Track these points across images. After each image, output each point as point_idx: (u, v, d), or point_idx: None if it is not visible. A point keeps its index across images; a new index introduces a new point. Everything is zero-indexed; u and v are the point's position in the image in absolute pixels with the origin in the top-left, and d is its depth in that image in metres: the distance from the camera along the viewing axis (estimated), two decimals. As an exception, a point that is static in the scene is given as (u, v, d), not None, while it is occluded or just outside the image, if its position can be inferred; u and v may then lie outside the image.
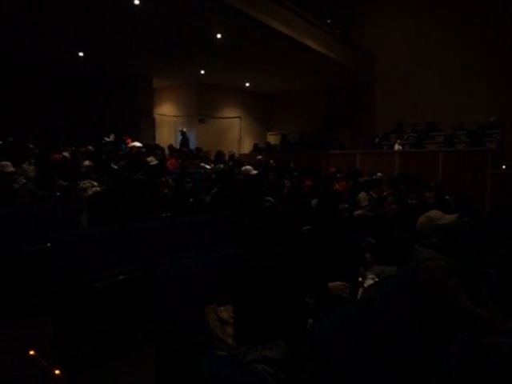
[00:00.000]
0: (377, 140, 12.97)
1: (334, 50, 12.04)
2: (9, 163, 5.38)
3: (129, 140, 11.28)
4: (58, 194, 4.84)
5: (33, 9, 8.25)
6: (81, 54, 11.18)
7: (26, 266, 3.39)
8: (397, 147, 11.61)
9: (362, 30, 14.78)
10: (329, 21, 13.47)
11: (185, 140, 13.91)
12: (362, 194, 6.20)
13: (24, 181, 5.06)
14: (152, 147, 9.51)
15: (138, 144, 10.21)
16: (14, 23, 9.02)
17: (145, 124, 14.37)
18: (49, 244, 3.23)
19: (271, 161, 10.91)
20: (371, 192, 6.18)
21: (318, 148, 13.75)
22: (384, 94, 14.28)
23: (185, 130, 14.15)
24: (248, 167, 6.11)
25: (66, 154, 7.02)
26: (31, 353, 2.93)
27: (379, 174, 7.17)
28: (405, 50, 13.67)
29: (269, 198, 4.23)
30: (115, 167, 6.78)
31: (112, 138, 11.53)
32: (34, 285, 3.42)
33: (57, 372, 2.76)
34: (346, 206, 3.34)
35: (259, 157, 11.30)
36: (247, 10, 8.79)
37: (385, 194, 5.51)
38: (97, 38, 10.14)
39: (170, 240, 3.69)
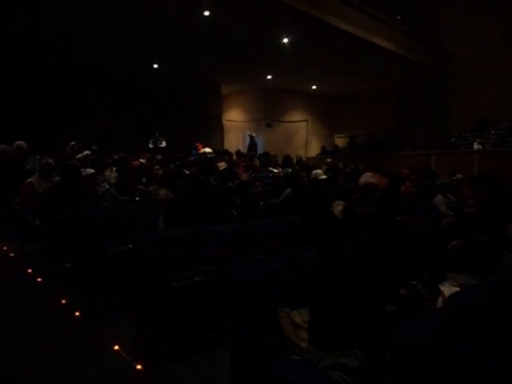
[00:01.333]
0: (453, 139, 12.21)
1: (404, 47, 11.57)
2: (93, 170, 5.81)
3: (199, 146, 11.69)
4: (137, 198, 5.15)
5: (111, 26, 8.89)
6: (155, 65, 11.82)
7: (110, 265, 3.64)
8: (476, 146, 10.85)
9: (435, 24, 14.04)
10: (399, 17, 12.96)
11: (253, 144, 14.11)
12: (439, 198, 5.87)
13: (107, 186, 5.45)
14: (221, 152, 9.76)
15: (208, 150, 10.58)
16: (93, 40, 9.76)
17: (214, 130, 14.82)
18: (131, 245, 3.45)
19: (340, 164, 10.71)
20: (449, 195, 5.84)
21: (389, 149, 13.28)
22: (460, 90, 13.42)
23: (253, 134, 14.36)
24: (318, 171, 6.03)
25: (142, 160, 7.44)
26: (116, 348, 3.14)
27: (459, 175, 6.74)
28: (482, 43, 12.75)
29: (339, 202, 4.15)
30: (188, 173, 7.07)
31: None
32: (118, 283, 3.66)
33: (139, 367, 2.93)
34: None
35: (328, 160, 11.15)
36: (313, 12, 8.75)
37: (465, 196, 5.18)
38: (169, 50, 10.66)
39: (243, 243, 3.76)
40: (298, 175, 6.38)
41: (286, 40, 9.86)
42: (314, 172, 6.03)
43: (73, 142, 7.77)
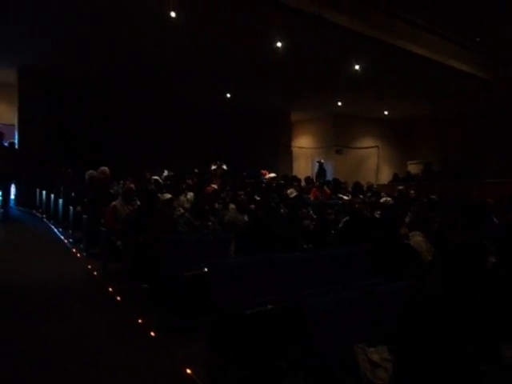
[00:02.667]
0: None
1: (482, 69, 11.05)
2: (169, 195, 6.11)
3: (265, 172, 11.87)
4: (210, 223, 5.31)
5: (189, 59, 9.49)
6: (228, 95, 12.32)
7: (185, 288, 3.75)
8: None
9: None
10: (478, 39, 12.40)
11: (322, 171, 14.03)
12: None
13: (182, 211, 5.69)
14: (290, 179, 9.81)
15: (272, 175, 10.75)
16: (171, 72, 10.45)
17: (283, 156, 14.98)
18: (205, 269, 3.54)
19: (411, 191, 10.25)
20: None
21: (467, 177, 12.50)
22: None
23: (322, 161, 14.30)
24: (388, 199, 5.85)
25: (215, 186, 7.69)
26: (188, 371, 3.19)
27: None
28: None
29: (417, 233, 3.96)
30: (258, 198, 7.18)
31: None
32: (192, 305, 3.75)
33: (209, 393, 2.95)
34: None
35: (400, 187, 10.73)
36: (386, 38, 8.68)
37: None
38: (241, 80, 11.09)
39: (314, 272, 3.70)
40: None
41: (357, 67, 9.82)
42: (382, 200, 5.85)
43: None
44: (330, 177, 13.97)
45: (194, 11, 7.21)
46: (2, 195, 8.71)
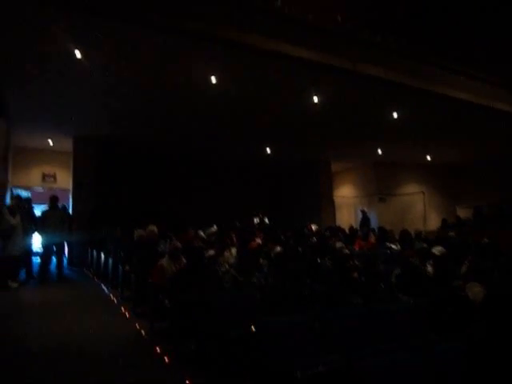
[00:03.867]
0: None
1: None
2: (214, 252, 6.15)
3: (310, 226, 11.79)
4: (255, 279, 5.26)
5: (230, 119, 9.91)
6: (268, 150, 12.63)
7: (233, 348, 3.68)
8: None
9: None
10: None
11: (366, 219, 13.76)
12: None
13: (227, 267, 5.70)
14: (335, 230, 9.66)
15: (314, 226, 10.66)
16: (213, 132, 10.91)
17: (325, 207, 14.88)
18: (252, 329, 3.47)
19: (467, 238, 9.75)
20: None
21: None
22: None
23: (365, 209, 14.06)
24: (440, 248, 5.57)
25: (259, 240, 7.69)
26: None
27: None
28: None
29: (475, 284, 3.73)
30: (300, 250, 7.09)
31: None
32: (240, 366, 3.65)
33: None
34: None
35: (451, 233, 10.27)
36: (422, 86, 8.70)
37: None
38: (280, 135, 11.38)
39: (367, 329, 3.53)
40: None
41: (395, 115, 9.84)
42: (435, 249, 5.57)
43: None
44: (374, 225, 13.65)
45: (233, 74, 7.61)
46: (57, 256, 9.11)
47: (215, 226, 9.14)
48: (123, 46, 6.47)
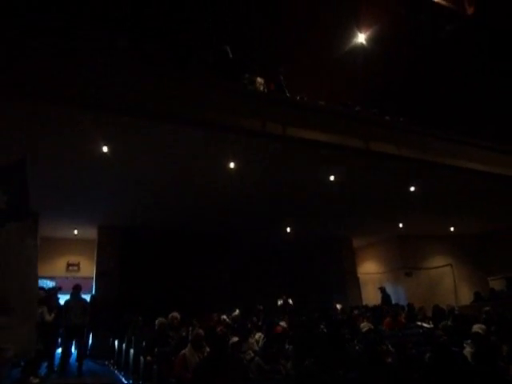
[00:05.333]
0: None
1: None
2: (237, 338, 5.95)
3: (335, 306, 11.43)
4: (282, 367, 5.01)
5: (247, 200, 10.14)
6: (288, 229, 12.67)
7: None
8: None
9: None
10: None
11: (386, 297, 13.07)
12: None
13: (252, 354, 5.46)
14: (361, 309, 9.30)
15: (338, 306, 10.33)
16: (233, 213, 11.09)
17: (350, 284, 14.47)
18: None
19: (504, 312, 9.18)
20: None
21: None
22: None
23: (384, 286, 13.49)
24: (480, 325, 5.24)
25: (283, 323, 7.42)
26: None
27: None
28: None
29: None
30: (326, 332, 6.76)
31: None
32: None
33: None
34: None
35: (486, 308, 9.69)
36: (436, 160, 8.86)
37: None
38: (299, 214, 11.47)
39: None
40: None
41: (412, 189, 9.89)
42: (475, 327, 5.24)
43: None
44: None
45: (252, 160, 7.93)
46: (78, 348, 8.91)
47: (238, 310, 8.92)
48: (147, 140, 6.90)
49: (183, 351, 5.33)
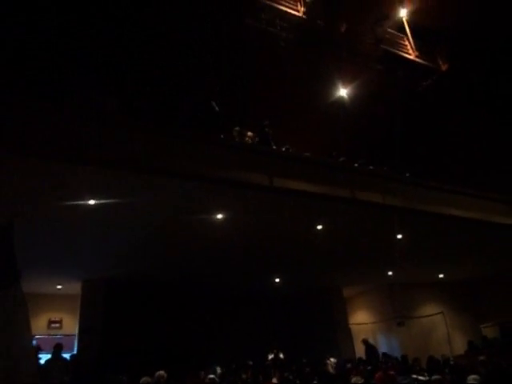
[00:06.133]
0: None
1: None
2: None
3: (328, 359, 11.06)
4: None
5: (235, 253, 10.03)
6: (277, 280, 12.49)
7: None
8: None
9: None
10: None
11: (370, 349, 12.58)
12: None
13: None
14: (356, 363, 9.04)
15: (333, 360, 10.00)
16: (220, 265, 10.92)
17: (341, 335, 14.10)
18: None
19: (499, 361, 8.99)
20: None
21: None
22: None
23: (367, 338, 13.09)
24: (474, 376, 5.14)
25: (275, 380, 7.14)
26: None
27: None
28: None
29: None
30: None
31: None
32: None
33: None
34: None
35: (481, 358, 9.49)
36: (422, 208, 9.01)
37: None
38: (287, 264, 11.37)
39: None
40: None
41: (399, 236, 9.95)
42: (470, 378, 5.13)
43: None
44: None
45: (241, 211, 7.94)
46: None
47: (219, 368, 8.57)
48: (135, 192, 6.88)
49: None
